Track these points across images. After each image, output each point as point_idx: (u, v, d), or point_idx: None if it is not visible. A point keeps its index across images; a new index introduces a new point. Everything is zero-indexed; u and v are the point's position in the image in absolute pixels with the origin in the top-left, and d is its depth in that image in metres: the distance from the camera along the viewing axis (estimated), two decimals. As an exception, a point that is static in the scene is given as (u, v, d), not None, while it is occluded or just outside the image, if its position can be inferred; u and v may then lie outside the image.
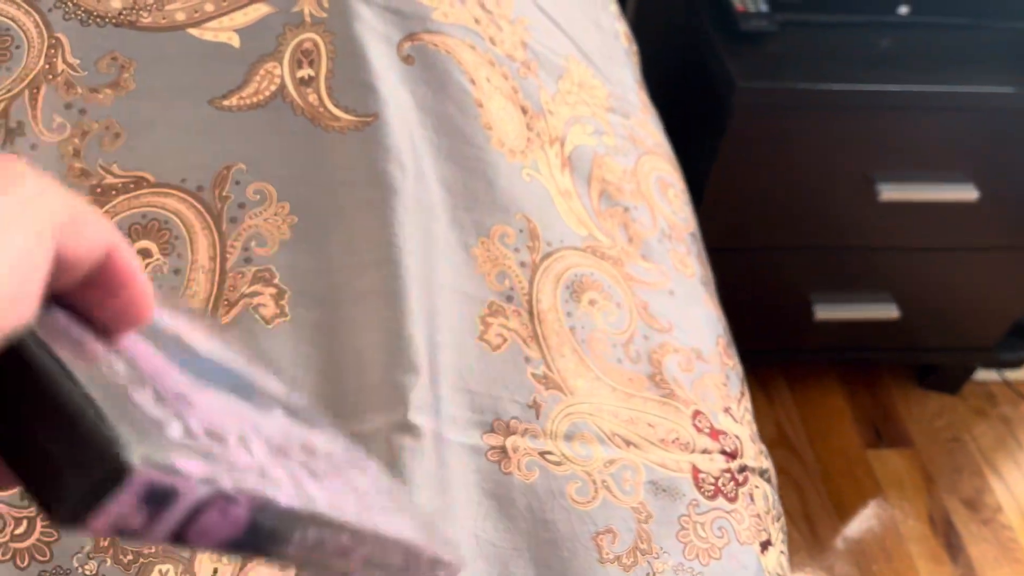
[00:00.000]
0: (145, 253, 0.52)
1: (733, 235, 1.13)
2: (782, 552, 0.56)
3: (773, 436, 1.35)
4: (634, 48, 0.86)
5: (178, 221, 0.53)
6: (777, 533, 0.56)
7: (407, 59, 0.59)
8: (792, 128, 1.01)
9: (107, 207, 0.52)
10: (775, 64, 0.98)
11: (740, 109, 0.97)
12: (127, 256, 0.19)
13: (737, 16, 0.97)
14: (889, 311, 1.22)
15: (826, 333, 1.27)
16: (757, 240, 1.15)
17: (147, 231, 0.53)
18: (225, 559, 0.43)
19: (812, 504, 1.28)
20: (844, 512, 1.28)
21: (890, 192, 1.06)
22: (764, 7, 0.99)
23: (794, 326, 1.26)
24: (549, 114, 0.65)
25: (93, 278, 0.19)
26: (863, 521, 1.27)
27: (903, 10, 1.03)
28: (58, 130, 0.54)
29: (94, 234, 0.18)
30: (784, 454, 1.33)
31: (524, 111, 0.63)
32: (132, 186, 0.53)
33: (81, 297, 0.19)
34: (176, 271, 0.52)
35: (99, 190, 0.53)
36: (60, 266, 0.17)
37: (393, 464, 0.46)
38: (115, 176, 0.53)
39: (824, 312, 1.22)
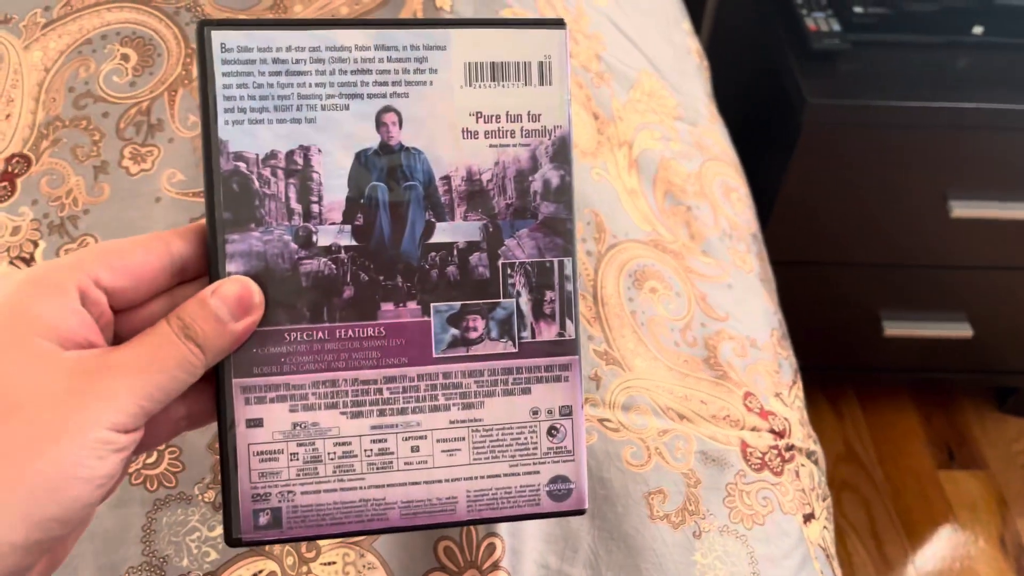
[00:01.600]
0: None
1: (802, 249, 1.16)
2: (826, 528, 0.59)
3: (841, 452, 1.35)
4: (705, 64, 0.91)
5: None
6: (822, 510, 0.60)
7: None
8: (863, 145, 1.04)
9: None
10: (846, 82, 1.01)
11: (810, 126, 1.00)
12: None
13: (809, 35, 1.01)
14: (962, 330, 1.22)
15: (897, 351, 1.28)
16: (825, 254, 1.18)
17: None
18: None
19: (880, 522, 1.28)
20: (913, 532, 1.27)
21: (962, 209, 1.07)
22: (836, 27, 1.02)
23: (863, 342, 1.27)
24: (619, 120, 0.70)
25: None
26: (932, 541, 1.27)
27: (977, 30, 1.04)
28: (191, 128, 0.62)
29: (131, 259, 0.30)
30: (853, 471, 1.33)
31: (596, 117, 0.69)
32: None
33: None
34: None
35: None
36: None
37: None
38: None
39: (893, 329, 1.23)
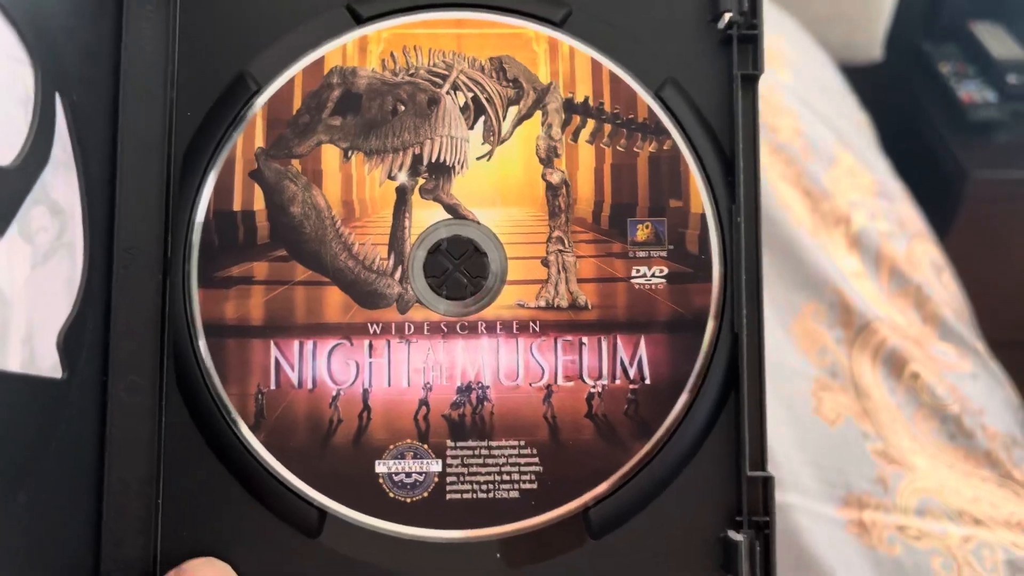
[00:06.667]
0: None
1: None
2: None
3: None
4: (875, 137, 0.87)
5: None
6: None
7: None
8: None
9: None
10: (1006, 153, 0.97)
11: (971, 200, 0.96)
12: None
13: (965, 107, 0.98)
14: None
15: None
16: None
17: None
18: None
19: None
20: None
21: None
22: (992, 97, 0.99)
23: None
24: (831, 196, 0.66)
25: None
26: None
27: None
28: None
29: None
30: None
31: (808, 194, 0.65)
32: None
33: None
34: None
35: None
36: None
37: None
38: None
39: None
